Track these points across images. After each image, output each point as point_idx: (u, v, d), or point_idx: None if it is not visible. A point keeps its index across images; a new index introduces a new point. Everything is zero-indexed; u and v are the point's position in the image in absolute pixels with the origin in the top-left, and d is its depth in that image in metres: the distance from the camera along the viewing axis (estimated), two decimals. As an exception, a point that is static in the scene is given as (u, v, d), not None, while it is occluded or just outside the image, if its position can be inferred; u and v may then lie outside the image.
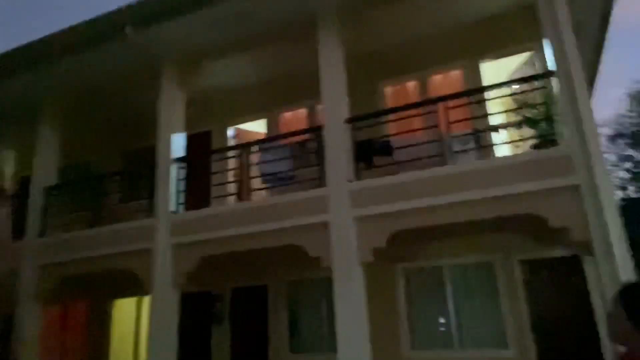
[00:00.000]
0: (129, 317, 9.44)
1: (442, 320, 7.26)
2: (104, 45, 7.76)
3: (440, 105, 6.26)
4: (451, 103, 6.25)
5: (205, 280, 8.32)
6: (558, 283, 6.73)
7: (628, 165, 23.94)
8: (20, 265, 8.09)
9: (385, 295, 7.40)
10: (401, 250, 7.12)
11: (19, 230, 8.75)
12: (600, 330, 6.08)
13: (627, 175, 23.84)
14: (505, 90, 6.42)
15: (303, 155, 7.42)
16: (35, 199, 8.59)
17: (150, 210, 7.60)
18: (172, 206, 7.39)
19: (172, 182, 7.51)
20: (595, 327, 6.17)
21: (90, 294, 9.16)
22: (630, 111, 24.52)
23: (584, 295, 6.38)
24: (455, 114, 6.23)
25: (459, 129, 6.35)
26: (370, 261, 5.91)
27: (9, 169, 11.13)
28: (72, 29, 7.76)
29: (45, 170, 8.86)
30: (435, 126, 6.29)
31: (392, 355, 7.15)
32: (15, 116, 9.42)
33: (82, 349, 9.58)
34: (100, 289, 9.15)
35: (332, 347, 6.55)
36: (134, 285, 7.51)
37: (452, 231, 6.60)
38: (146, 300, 8.58)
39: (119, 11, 7.38)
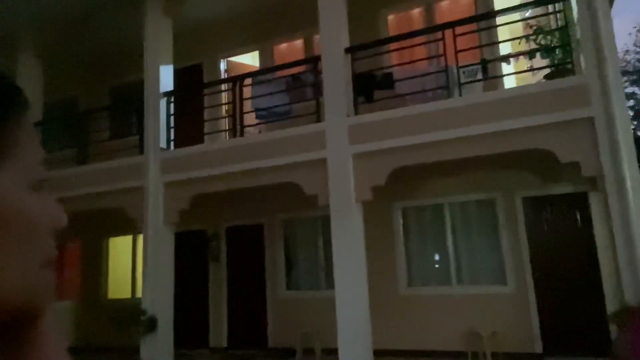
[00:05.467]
0: (125, 254, 9.40)
1: (440, 258, 7.20)
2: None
3: (447, 33, 5.79)
4: (458, 30, 5.77)
5: (199, 219, 8.18)
6: (561, 220, 6.58)
7: (630, 103, 23.32)
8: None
9: (383, 233, 7.29)
10: (400, 188, 6.91)
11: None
12: (602, 268, 5.99)
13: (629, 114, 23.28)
14: (518, 16, 5.92)
15: (299, 89, 7.01)
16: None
17: (140, 148, 7.30)
18: (163, 143, 7.09)
19: (162, 118, 7.16)
20: (597, 264, 6.08)
21: (83, 232, 9.04)
22: (637, 46, 23.50)
23: (588, 232, 6.25)
24: (462, 43, 5.77)
25: (466, 59, 5.91)
26: (368, 199, 5.70)
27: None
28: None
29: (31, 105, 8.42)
30: (441, 56, 5.86)
31: (389, 292, 7.14)
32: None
33: (78, 286, 9.63)
34: (93, 228, 9.02)
35: (329, 285, 6.51)
36: (128, 224, 7.36)
37: (454, 168, 6.35)
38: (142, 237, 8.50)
39: None
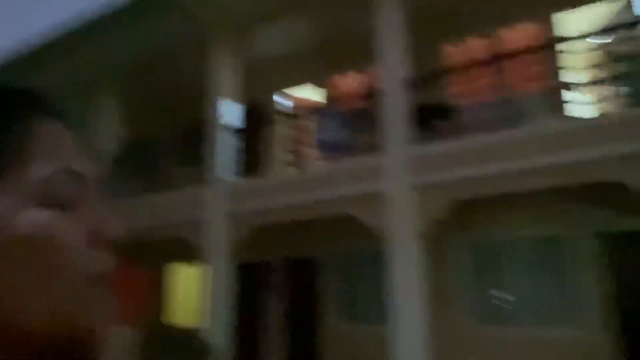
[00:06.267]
0: (189, 282, 9.68)
1: (508, 297, 6.75)
2: (156, 15, 7.71)
3: (511, 62, 5.62)
4: (523, 59, 5.58)
5: (258, 249, 8.28)
6: (644, 260, 5.98)
7: None
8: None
9: (445, 268, 6.98)
10: (463, 221, 6.63)
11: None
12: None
13: None
14: (588, 43, 5.64)
15: (359, 122, 7.05)
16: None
17: (205, 180, 7.60)
18: (226, 175, 7.33)
19: (226, 151, 7.44)
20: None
21: (150, 259, 9.45)
22: None
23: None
24: (527, 72, 5.57)
25: (533, 88, 5.67)
26: (428, 232, 5.51)
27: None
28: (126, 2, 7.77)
29: (108, 141, 9.11)
30: (505, 86, 5.67)
31: (452, 330, 6.76)
32: (77, 91, 9.71)
33: (143, 312, 9.98)
34: (160, 255, 9.41)
35: (387, 320, 6.27)
36: (192, 253, 7.60)
37: (521, 201, 6.01)
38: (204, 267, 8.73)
39: (169, -23, 7.26)
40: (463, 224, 6.69)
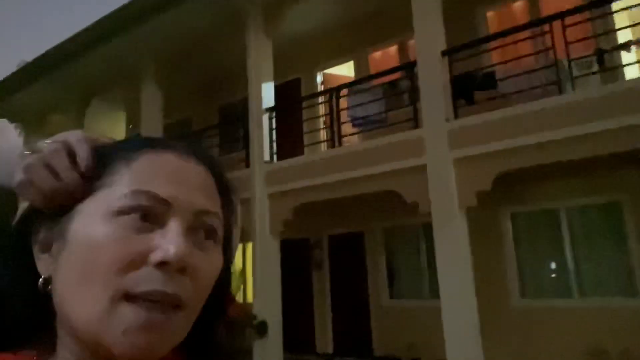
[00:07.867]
0: (238, 260, 10.02)
1: (557, 267, 6.63)
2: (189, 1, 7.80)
3: (555, 25, 5.37)
4: (568, 21, 5.32)
5: (302, 227, 8.45)
6: None
7: None
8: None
9: (490, 241, 6.91)
10: (509, 192, 6.51)
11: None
12: None
13: None
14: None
15: (396, 96, 6.97)
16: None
17: (246, 161, 7.76)
18: (266, 156, 7.46)
19: (265, 132, 7.55)
20: None
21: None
22: None
23: None
24: (573, 34, 5.31)
25: (578, 51, 5.42)
26: (473, 205, 5.46)
27: (121, 129, 12.10)
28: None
29: (152, 128, 9.42)
30: (549, 49, 5.45)
31: (500, 305, 6.73)
32: (120, 79, 10.03)
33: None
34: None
35: (434, 294, 6.33)
36: (240, 233, 7.84)
37: (571, 169, 5.83)
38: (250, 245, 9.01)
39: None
40: (508, 194, 6.57)
